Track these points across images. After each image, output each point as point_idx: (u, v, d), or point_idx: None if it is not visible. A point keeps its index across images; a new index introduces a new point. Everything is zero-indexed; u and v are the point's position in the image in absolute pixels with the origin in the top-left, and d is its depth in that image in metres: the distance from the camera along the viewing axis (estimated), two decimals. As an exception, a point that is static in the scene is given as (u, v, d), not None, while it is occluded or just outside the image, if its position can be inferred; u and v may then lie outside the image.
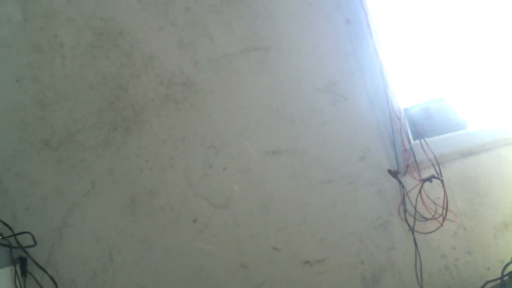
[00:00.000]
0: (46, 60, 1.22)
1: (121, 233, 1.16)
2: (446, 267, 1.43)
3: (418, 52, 1.90)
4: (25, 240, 1.02)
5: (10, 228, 1.00)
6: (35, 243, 1.02)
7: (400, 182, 1.43)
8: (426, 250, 1.42)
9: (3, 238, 0.97)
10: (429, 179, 1.41)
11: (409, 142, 1.51)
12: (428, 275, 1.40)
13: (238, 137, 1.32)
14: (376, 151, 1.46)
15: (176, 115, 1.28)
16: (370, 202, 1.41)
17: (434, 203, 1.45)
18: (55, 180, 1.15)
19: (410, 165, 1.45)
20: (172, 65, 1.32)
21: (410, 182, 1.44)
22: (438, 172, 1.43)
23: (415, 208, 1.42)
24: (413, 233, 1.40)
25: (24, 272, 1.00)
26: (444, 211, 1.42)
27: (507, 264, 1.37)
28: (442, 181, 1.43)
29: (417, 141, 1.50)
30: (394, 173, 1.43)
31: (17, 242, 0.99)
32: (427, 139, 1.50)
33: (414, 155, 1.46)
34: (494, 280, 1.41)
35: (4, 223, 0.99)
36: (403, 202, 1.42)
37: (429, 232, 1.42)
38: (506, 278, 1.36)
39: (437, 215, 1.43)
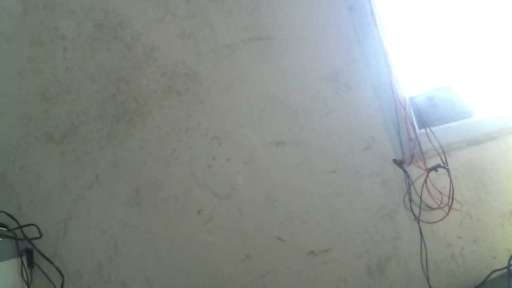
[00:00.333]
0: (47, 53, 1.22)
1: (126, 225, 1.16)
2: (452, 256, 1.43)
3: (423, 40, 1.87)
4: (31, 232, 1.03)
5: (16, 221, 1.00)
6: (41, 235, 1.03)
7: (405, 171, 1.42)
8: (431, 239, 1.41)
9: (9, 230, 0.97)
10: (434, 168, 1.40)
11: (415, 131, 1.49)
12: (433, 264, 1.40)
13: (241, 128, 1.31)
14: (381, 141, 1.45)
15: (179, 106, 1.28)
16: (375, 192, 1.40)
17: (440, 192, 1.44)
18: (59, 173, 1.15)
19: (416, 154, 1.44)
20: (174, 56, 1.31)
21: (415, 171, 1.43)
22: (444, 161, 1.41)
23: (420, 197, 1.41)
24: (418, 222, 1.39)
25: (31, 263, 1.02)
26: (450, 200, 1.40)
27: (514, 253, 1.36)
28: (448, 170, 1.41)
29: (423, 130, 1.48)
30: (399, 163, 1.42)
31: (23, 234, 1.00)
32: (433, 128, 1.48)
33: (419, 144, 1.45)
34: (501, 269, 1.40)
35: (10, 216, 1.00)
36: (409, 192, 1.41)
37: (434, 222, 1.41)
38: (512, 267, 1.35)
39: (442, 205, 1.42)
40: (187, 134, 1.27)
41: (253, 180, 1.28)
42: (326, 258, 1.30)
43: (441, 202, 1.43)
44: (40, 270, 1.03)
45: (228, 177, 1.27)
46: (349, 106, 1.45)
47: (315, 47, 1.46)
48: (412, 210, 1.40)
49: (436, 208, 1.43)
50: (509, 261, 1.35)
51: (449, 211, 1.41)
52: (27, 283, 0.98)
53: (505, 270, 1.37)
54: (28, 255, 1.01)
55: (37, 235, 1.02)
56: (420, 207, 1.41)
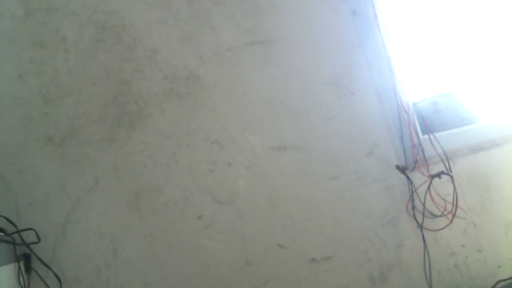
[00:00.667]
0: (49, 54, 1.21)
1: (125, 229, 1.15)
2: (455, 265, 1.41)
3: (426, 45, 1.85)
4: (29, 236, 1.01)
5: (14, 225, 0.99)
6: (39, 240, 1.01)
7: (408, 178, 1.40)
8: (435, 247, 1.39)
9: (6, 234, 0.96)
10: (438, 175, 1.38)
11: (418, 137, 1.47)
12: (437, 273, 1.38)
13: (242, 132, 1.30)
14: (384, 146, 1.44)
15: (180, 110, 1.27)
16: (378, 198, 1.38)
17: (444, 199, 1.42)
18: (58, 176, 1.14)
19: (419, 160, 1.42)
20: (176, 59, 1.30)
21: (418, 178, 1.41)
22: (448, 167, 1.40)
23: (423, 204, 1.39)
24: (421, 230, 1.37)
25: (28, 268, 1.00)
26: (454, 207, 1.38)
27: (520, 263, 1.34)
28: (451, 177, 1.40)
29: (426, 136, 1.47)
30: (402, 169, 1.40)
31: (21, 238, 0.98)
32: (436, 134, 1.46)
33: (422, 150, 1.43)
34: (507, 279, 1.38)
35: (7, 220, 0.99)
36: (412, 199, 1.40)
37: (438, 229, 1.39)
38: (518, 277, 1.33)
39: (446, 212, 1.40)
40: (188, 137, 1.26)
41: (254, 185, 1.27)
42: (328, 266, 1.28)
43: (445, 209, 1.41)
44: (37, 276, 1.01)
45: (229, 182, 1.25)
46: (352, 111, 1.43)
47: (318, 51, 1.45)
48: (415, 218, 1.39)
49: (440, 216, 1.41)
50: (514, 270, 1.33)
51: (452, 218, 1.39)
52: (24, 289, 0.96)
53: (511, 280, 1.35)
54: (26, 260, 1.00)
55: (35, 239, 1.00)
56: (423, 215, 1.39)
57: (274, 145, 1.32)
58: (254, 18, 1.40)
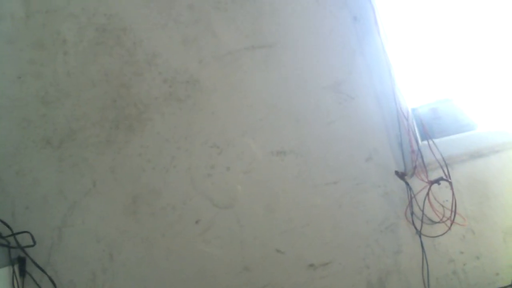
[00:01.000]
0: (49, 56, 1.21)
1: (122, 233, 1.14)
2: (454, 272, 1.40)
3: (426, 51, 1.86)
4: (24, 239, 1.01)
5: (9, 228, 0.98)
6: (34, 243, 1.00)
7: (407, 184, 1.40)
8: (433, 254, 1.38)
9: (1, 237, 0.95)
10: (437, 181, 1.37)
11: (417, 143, 1.47)
12: (435, 280, 1.37)
13: (242, 137, 1.30)
14: (383, 152, 1.43)
15: (180, 113, 1.26)
16: (377, 204, 1.38)
17: (442, 206, 1.42)
18: (56, 178, 1.13)
19: (418, 166, 1.42)
20: (176, 62, 1.30)
21: (417, 184, 1.41)
22: (447, 174, 1.39)
23: (422, 211, 1.38)
24: (420, 236, 1.37)
25: (23, 272, 0.99)
26: (453, 214, 1.38)
27: (518, 270, 1.34)
28: (450, 183, 1.39)
29: (425, 142, 1.46)
30: (401, 175, 1.40)
31: (16, 241, 0.98)
32: (435, 140, 1.46)
33: (422, 156, 1.43)
34: (505, 287, 1.37)
35: (3, 222, 0.98)
36: (410, 205, 1.39)
37: (436, 236, 1.39)
38: (517, 284, 1.32)
39: (445, 219, 1.40)
40: (187, 141, 1.25)
41: (253, 190, 1.26)
42: (326, 272, 1.27)
43: (443, 216, 1.40)
44: (32, 280, 1.01)
45: (227, 186, 1.25)
46: (352, 117, 1.43)
47: (318, 56, 1.45)
48: (414, 224, 1.38)
49: (438, 222, 1.40)
50: (513, 278, 1.33)
51: (451, 225, 1.38)
52: (18, 292, 0.95)
53: None
54: (21, 264, 0.99)
55: (31, 242, 1.00)
56: (422, 221, 1.38)
57: (273, 150, 1.32)
58: (254, 22, 1.40)
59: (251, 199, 1.26)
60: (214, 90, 1.31)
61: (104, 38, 1.26)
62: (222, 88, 1.32)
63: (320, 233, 1.29)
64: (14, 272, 0.96)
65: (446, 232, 1.38)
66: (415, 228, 1.38)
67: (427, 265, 1.35)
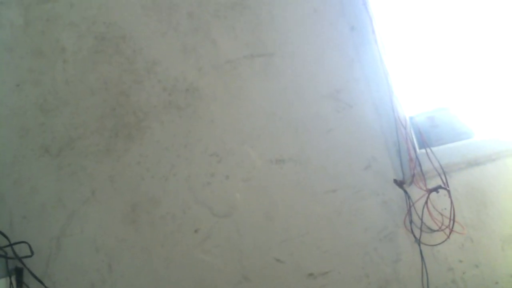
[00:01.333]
0: (48, 64, 1.20)
1: (121, 242, 1.13)
2: (453, 280, 1.40)
3: (423, 60, 1.88)
4: (22, 250, 0.99)
5: (7, 238, 0.97)
6: (32, 253, 0.99)
7: (406, 192, 1.40)
8: (432, 262, 1.38)
9: (-1, 248, 0.94)
10: (436, 189, 1.38)
11: (415, 151, 1.48)
12: (434, 288, 1.37)
13: (241, 145, 1.30)
14: (381, 160, 1.44)
15: (179, 122, 1.26)
16: (376, 212, 1.38)
17: (441, 214, 1.42)
18: (54, 187, 1.12)
19: (416, 174, 1.42)
20: (175, 71, 1.30)
21: (416, 192, 1.41)
22: (445, 182, 1.40)
23: (421, 219, 1.39)
24: (419, 245, 1.37)
25: (20, 283, 0.98)
26: (451, 222, 1.38)
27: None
28: (449, 191, 1.40)
29: (423, 150, 1.47)
30: (400, 183, 1.40)
31: (14, 252, 0.96)
32: (433, 148, 1.47)
33: (420, 165, 1.43)
34: (504, 295, 1.37)
35: (0, 232, 0.97)
36: (409, 213, 1.39)
37: (435, 244, 1.39)
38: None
39: (443, 227, 1.40)
40: (186, 150, 1.25)
41: (252, 199, 1.26)
42: (325, 281, 1.26)
43: (442, 224, 1.41)
44: (29, 290, 0.99)
45: (227, 194, 1.24)
46: (350, 125, 1.44)
47: (316, 65, 1.46)
48: (413, 232, 1.38)
49: (437, 230, 1.40)
50: (512, 287, 1.33)
51: (450, 233, 1.38)
52: (15, 304, 0.94)
53: (508, 296, 1.35)
54: (18, 275, 0.97)
55: (28, 253, 0.98)
56: (421, 229, 1.38)
57: (272, 158, 1.32)
58: (253, 31, 1.41)
59: (250, 208, 1.25)
60: (213, 98, 1.31)
61: (104, 46, 1.26)
62: (221, 96, 1.32)
63: (320, 242, 1.29)
64: (11, 283, 0.94)
65: (445, 240, 1.38)
66: (414, 236, 1.38)
67: (427, 273, 1.35)
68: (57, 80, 1.20)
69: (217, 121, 1.30)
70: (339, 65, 1.49)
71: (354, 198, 1.37)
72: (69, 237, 1.09)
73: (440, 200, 1.45)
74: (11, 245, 0.96)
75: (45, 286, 0.99)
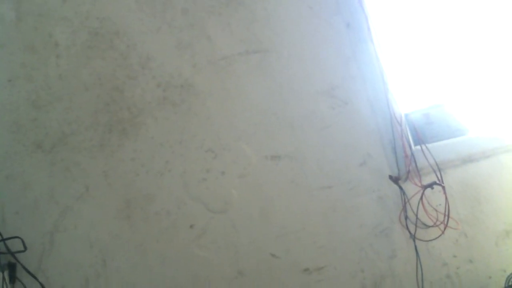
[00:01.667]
0: (40, 59, 1.19)
1: (115, 238, 1.12)
2: (447, 275, 1.41)
3: (419, 57, 1.89)
4: (15, 245, 0.98)
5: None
6: (25, 249, 0.98)
7: (401, 188, 1.41)
8: (427, 258, 1.39)
9: (-9, 243, 0.93)
10: (430, 185, 1.39)
11: (410, 147, 1.49)
12: (429, 284, 1.38)
13: (236, 141, 1.29)
14: (376, 157, 1.44)
15: (174, 118, 1.26)
16: (371, 208, 1.38)
17: (436, 210, 1.43)
18: (47, 183, 1.11)
19: (411, 171, 1.43)
20: (170, 67, 1.29)
21: (411, 188, 1.42)
22: (440, 178, 1.40)
23: (416, 215, 1.39)
24: (414, 240, 1.38)
25: (13, 278, 0.97)
26: (446, 218, 1.39)
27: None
28: (443, 187, 1.41)
29: (418, 147, 1.48)
30: (395, 179, 1.41)
31: (6, 247, 0.95)
32: (428, 145, 1.48)
33: (415, 161, 1.44)
34: (498, 290, 1.38)
35: (-8, 228, 0.96)
36: (404, 209, 1.40)
37: (430, 240, 1.40)
38: (509, 288, 1.33)
39: (438, 222, 1.41)
40: (181, 146, 1.24)
41: (248, 195, 1.26)
42: (321, 276, 1.26)
43: (437, 220, 1.41)
44: (22, 286, 0.98)
45: (222, 191, 1.24)
46: (346, 122, 1.44)
47: (312, 62, 1.46)
48: (408, 228, 1.39)
49: (432, 226, 1.41)
50: (507, 282, 1.34)
51: (444, 229, 1.39)
52: (8, 300, 0.93)
53: (502, 291, 1.36)
54: (11, 270, 0.96)
55: (21, 248, 0.97)
56: (416, 225, 1.39)
57: (268, 155, 1.31)
58: (249, 27, 1.40)
59: (246, 204, 1.25)
60: (208, 94, 1.31)
61: (97, 42, 1.25)
62: (216, 92, 1.32)
63: (315, 237, 1.29)
64: (4, 278, 0.94)
65: (439, 236, 1.39)
66: (409, 232, 1.39)
67: (421, 269, 1.36)
68: (50, 76, 1.19)
69: (212, 117, 1.29)
70: (335, 62, 1.49)
71: (350, 194, 1.37)
72: (63, 232, 1.08)
73: (435, 196, 1.45)
74: (3, 240, 0.95)
75: (39, 281, 0.98)
